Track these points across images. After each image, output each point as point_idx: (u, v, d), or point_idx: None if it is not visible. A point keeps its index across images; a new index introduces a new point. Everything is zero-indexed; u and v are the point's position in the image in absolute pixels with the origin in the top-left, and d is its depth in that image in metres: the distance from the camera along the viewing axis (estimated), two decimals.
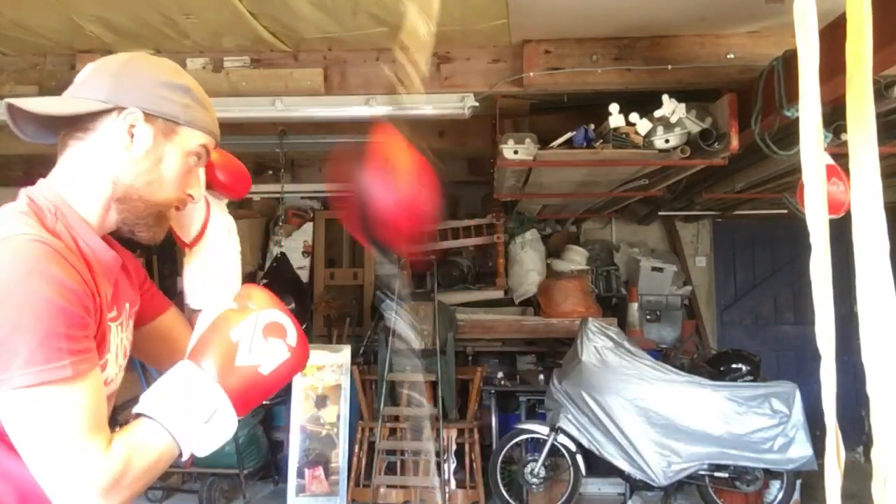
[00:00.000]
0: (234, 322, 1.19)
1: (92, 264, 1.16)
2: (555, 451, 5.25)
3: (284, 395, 5.86)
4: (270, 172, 6.36)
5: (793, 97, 3.23)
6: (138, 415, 1.13)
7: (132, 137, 1.19)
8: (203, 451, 1.16)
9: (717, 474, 5.08)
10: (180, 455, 1.14)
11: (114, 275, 1.24)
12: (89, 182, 1.20)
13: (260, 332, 1.19)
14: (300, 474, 5.64)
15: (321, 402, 5.78)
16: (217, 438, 1.16)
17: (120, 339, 1.26)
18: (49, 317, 1.02)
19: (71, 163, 1.21)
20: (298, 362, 1.23)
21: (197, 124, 1.24)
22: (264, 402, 5.93)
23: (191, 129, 1.24)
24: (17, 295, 1.01)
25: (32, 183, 1.22)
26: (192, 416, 1.12)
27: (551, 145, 4.10)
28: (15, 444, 1.04)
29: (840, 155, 3.18)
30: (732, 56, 3.77)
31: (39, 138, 1.24)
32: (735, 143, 3.82)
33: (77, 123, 1.20)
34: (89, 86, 1.20)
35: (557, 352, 6.07)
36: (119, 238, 1.30)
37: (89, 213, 1.21)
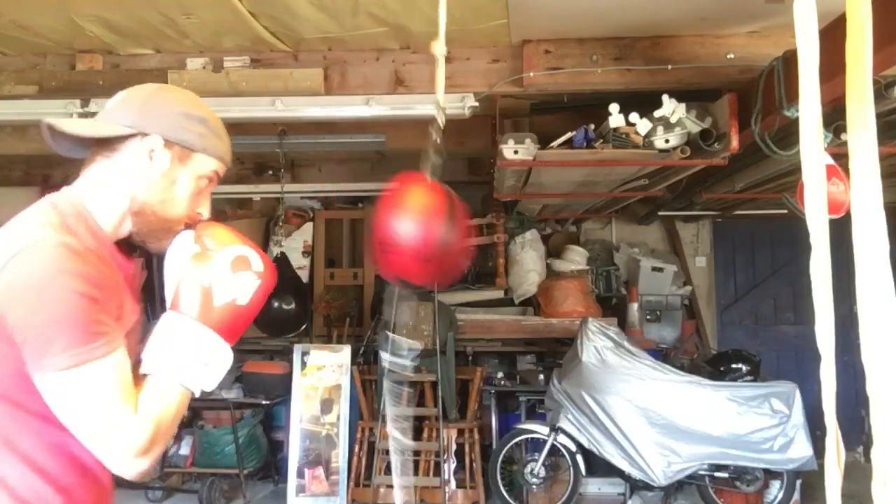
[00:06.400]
0: (203, 266, 1.32)
1: (108, 261, 1.31)
2: (555, 451, 5.25)
3: (284, 394, 5.85)
4: (270, 172, 6.36)
5: (793, 97, 3.22)
6: (145, 375, 1.28)
7: (151, 160, 1.36)
8: (211, 386, 1.32)
9: (717, 474, 5.08)
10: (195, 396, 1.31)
11: (125, 275, 1.38)
12: (110, 195, 1.36)
13: (228, 269, 1.32)
14: (300, 474, 5.64)
15: (321, 401, 5.78)
16: (220, 372, 1.32)
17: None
18: (79, 307, 1.18)
19: (95, 176, 1.37)
20: (269, 284, 1.37)
21: (210, 151, 1.41)
22: (264, 402, 5.96)
23: (205, 155, 1.40)
24: (50, 290, 1.18)
25: (49, 188, 1.32)
26: (192, 362, 1.28)
27: (551, 145, 4.09)
28: (61, 419, 1.20)
29: (840, 155, 3.18)
30: (732, 56, 3.77)
31: (73, 153, 1.41)
32: (735, 143, 3.81)
33: (105, 144, 1.37)
34: (119, 112, 1.38)
35: (557, 352, 6.07)
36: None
37: (106, 221, 1.36)
